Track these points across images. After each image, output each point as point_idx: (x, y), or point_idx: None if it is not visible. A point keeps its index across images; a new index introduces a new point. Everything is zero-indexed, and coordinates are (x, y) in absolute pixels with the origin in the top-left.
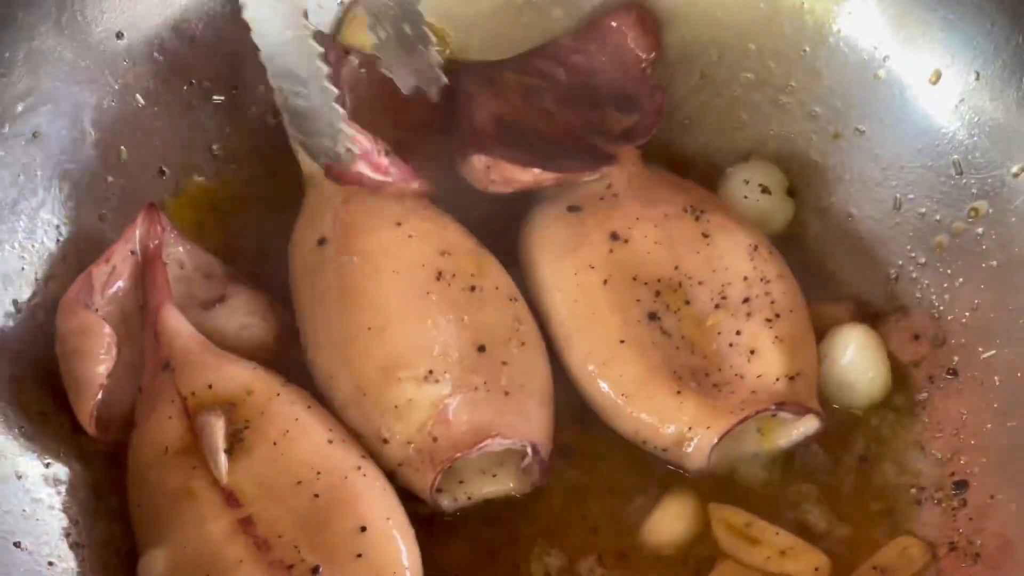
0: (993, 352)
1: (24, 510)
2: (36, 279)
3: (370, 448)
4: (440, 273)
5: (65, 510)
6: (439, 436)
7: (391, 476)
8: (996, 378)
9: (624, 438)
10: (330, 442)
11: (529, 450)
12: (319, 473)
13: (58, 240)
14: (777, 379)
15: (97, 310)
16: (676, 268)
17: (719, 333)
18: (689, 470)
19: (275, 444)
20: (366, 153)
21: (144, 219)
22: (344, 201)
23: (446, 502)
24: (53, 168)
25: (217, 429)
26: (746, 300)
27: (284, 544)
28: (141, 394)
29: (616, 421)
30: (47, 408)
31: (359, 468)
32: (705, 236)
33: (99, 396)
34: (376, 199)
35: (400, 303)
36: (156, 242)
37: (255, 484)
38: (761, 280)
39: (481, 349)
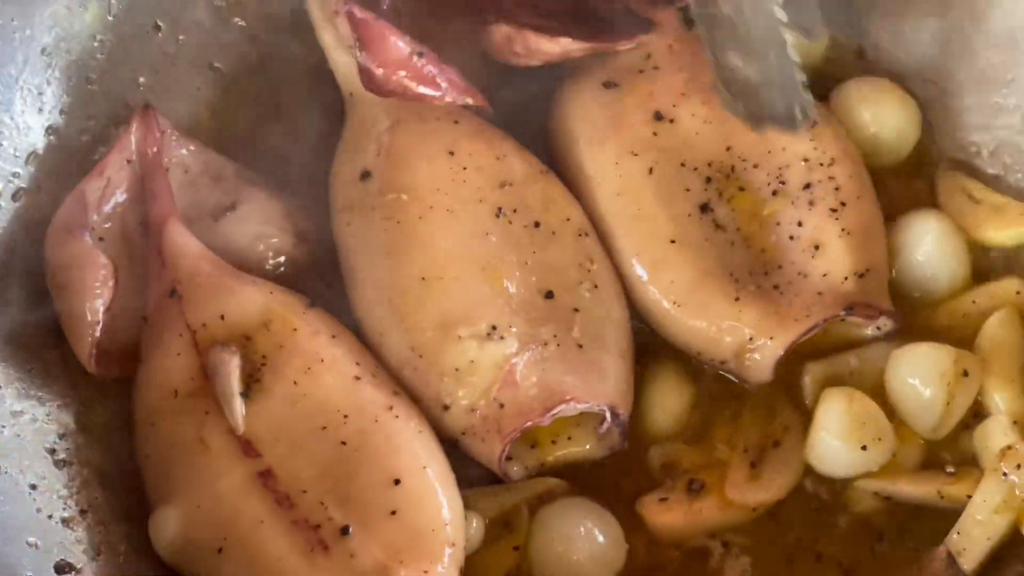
0: None
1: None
2: (14, 154)
3: (428, 414)
4: (500, 209)
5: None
6: (506, 401)
7: (453, 444)
8: None
9: (675, 347)
10: (357, 379)
11: (607, 414)
12: (346, 416)
13: (40, 109)
14: (845, 278)
15: (93, 229)
16: (728, 150)
17: (778, 224)
18: (750, 383)
19: (296, 384)
20: (406, 59)
21: (140, 123)
22: (390, 127)
23: (515, 470)
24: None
25: (232, 369)
26: (807, 186)
27: (308, 500)
28: (147, 325)
29: (667, 331)
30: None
31: (391, 408)
32: None
33: (97, 333)
34: (425, 122)
35: (456, 248)
36: (155, 148)
37: (274, 431)
38: (822, 164)
39: (549, 295)
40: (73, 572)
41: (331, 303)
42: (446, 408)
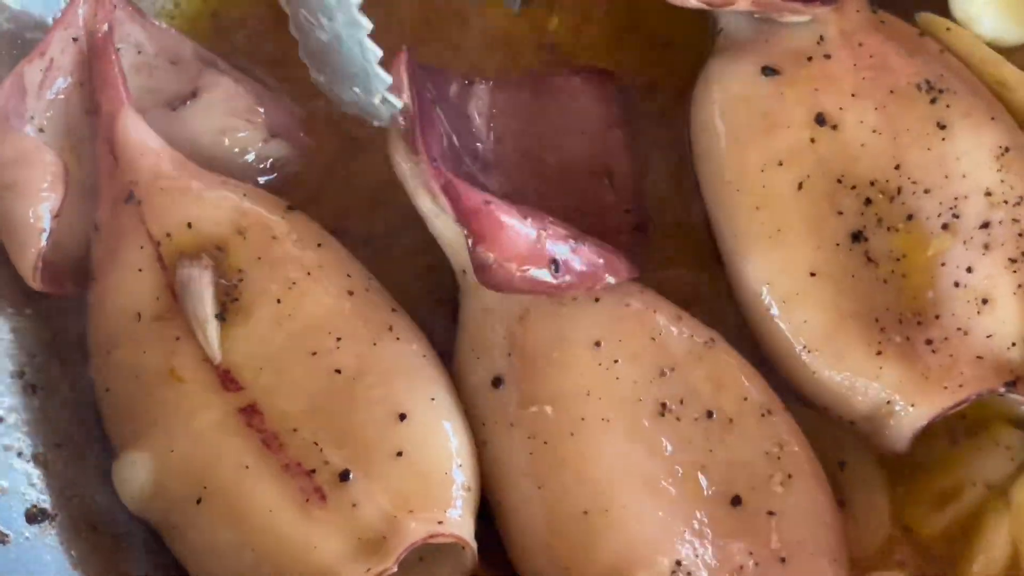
0: None
1: None
2: None
3: None
4: (664, 405)
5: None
6: None
7: None
8: None
9: (801, 398)
10: (350, 294)
11: None
12: (339, 339)
13: None
14: (1013, 344)
15: (33, 118)
16: (896, 168)
17: (943, 265)
18: (882, 448)
19: (279, 302)
20: (532, 248)
21: None
22: (520, 318)
23: None
24: None
25: (204, 286)
26: (985, 225)
27: (300, 440)
28: (99, 235)
29: (792, 375)
30: None
31: (391, 328)
32: (941, 127)
33: (43, 244)
34: (562, 305)
35: (619, 467)
36: (105, 25)
37: (257, 359)
38: (1007, 201)
39: (736, 502)
40: (46, 520)
41: (317, 204)
42: None
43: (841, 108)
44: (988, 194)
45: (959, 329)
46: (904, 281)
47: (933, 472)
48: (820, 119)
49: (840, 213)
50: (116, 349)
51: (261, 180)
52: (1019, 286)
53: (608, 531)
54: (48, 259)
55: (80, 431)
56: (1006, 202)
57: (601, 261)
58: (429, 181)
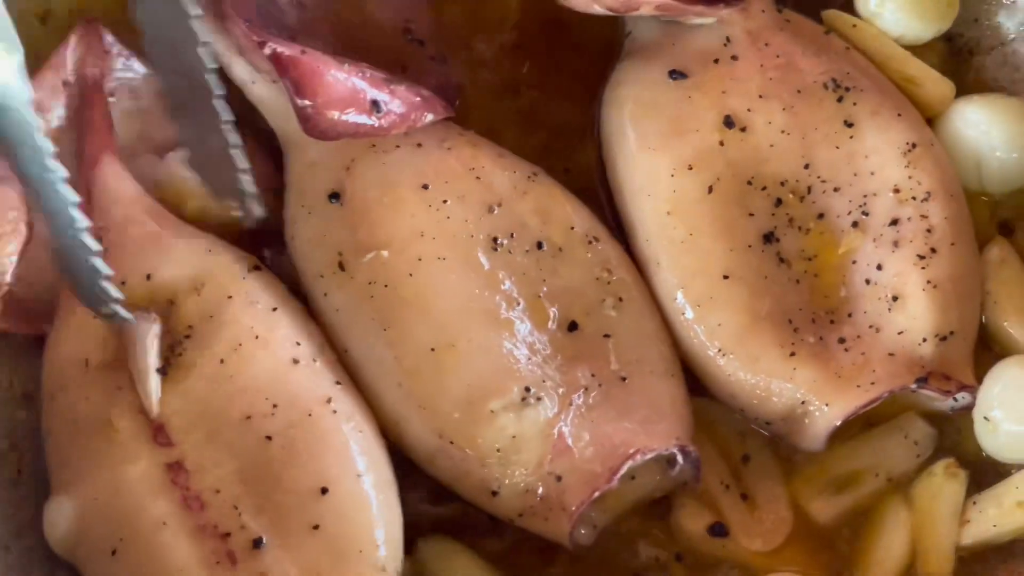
0: None
1: None
2: None
3: (474, 500)
4: (496, 239)
5: None
6: (564, 472)
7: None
8: None
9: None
10: (295, 362)
11: (678, 455)
12: (275, 406)
13: None
14: (924, 340)
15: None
16: (806, 168)
17: (854, 262)
18: (798, 448)
19: (222, 363)
20: (351, 93)
21: (80, 39)
22: (346, 170)
23: (585, 535)
24: None
25: (151, 339)
26: (894, 222)
27: (221, 503)
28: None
29: (708, 379)
30: None
31: (329, 401)
32: (849, 125)
33: (7, 280)
34: (386, 153)
35: (460, 303)
36: (97, 69)
37: (191, 417)
38: (916, 198)
39: (572, 327)
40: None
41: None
42: (495, 494)
43: (749, 110)
44: (896, 191)
45: (871, 327)
46: (816, 280)
47: (836, 458)
48: (728, 121)
49: (751, 215)
50: (61, 392)
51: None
52: (928, 282)
53: (457, 365)
54: (14, 297)
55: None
56: (914, 198)
57: (418, 99)
58: (243, 42)
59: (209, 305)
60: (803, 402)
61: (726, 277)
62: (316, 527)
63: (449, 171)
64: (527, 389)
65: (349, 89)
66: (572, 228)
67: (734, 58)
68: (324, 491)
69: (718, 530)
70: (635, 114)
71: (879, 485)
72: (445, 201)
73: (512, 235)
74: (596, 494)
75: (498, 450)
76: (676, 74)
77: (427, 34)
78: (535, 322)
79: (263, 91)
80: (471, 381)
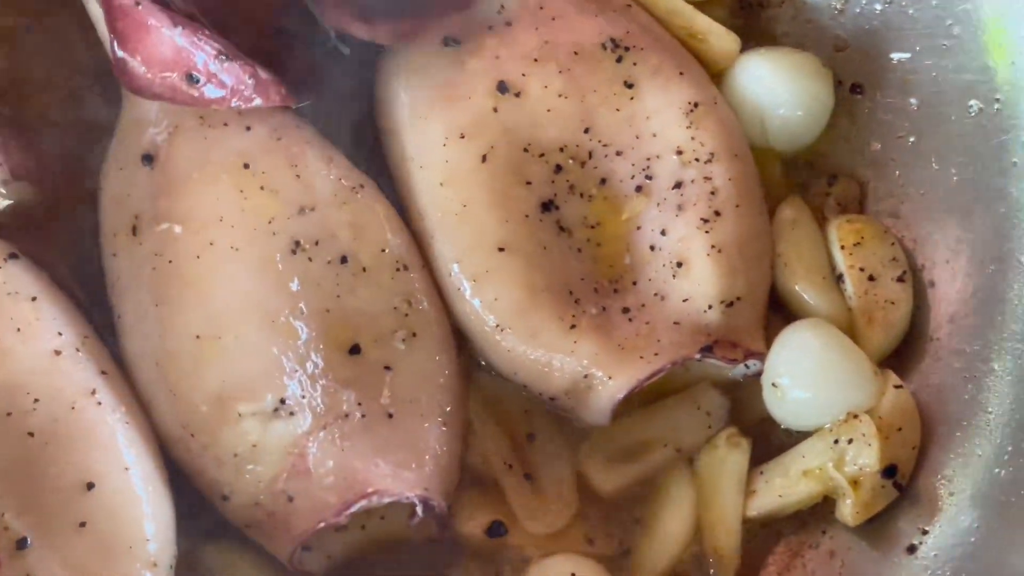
0: None
1: None
2: None
3: (208, 499)
4: (298, 243)
5: None
6: (296, 494)
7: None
8: None
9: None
10: (57, 353)
11: (419, 507)
12: (37, 401)
13: None
14: (709, 307)
15: None
16: (586, 132)
17: (638, 228)
18: (584, 423)
19: None
20: (177, 55)
21: None
22: (167, 133)
23: (315, 561)
24: None
25: None
26: (678, 185)
27: None
28: None
29: (489, 355)
30: None
31: (93, 392)
32: (629, 86)
33: None
34: (211, 128)
35: (240, 297)
36: None
37: None
38: (699, 159)
39: (354, 351)
40: None
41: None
42: (225, 499)
43: (524, 74)
44: (679, 152)
45: (656, 294)
46: (599, 250)
47: (624, 428)
48: (502, 87)
49: (529, 183)
50: None
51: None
52: (712, 246)
53: (217, 359)
54: None
55: None
56: (697, 159)
57: (250, 81)
58: None
59: None
60: (585, 376)
61: (502, 249)
62: (83, 524)
63: (270, 162)
64: (282, 400)
65: (173, 52)
66: (383, 251)
67: (508, 24)
68: (90, 486)
69: (496, 530)
70: (409, 83)
71: (667, 456)
72: (257, 191)
73: (317, 242)
74: (321, 525)
75: (235, 455)
76: (450, 41)
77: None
78: (315, 336)
79: (102, 25)
80: (226, 378)
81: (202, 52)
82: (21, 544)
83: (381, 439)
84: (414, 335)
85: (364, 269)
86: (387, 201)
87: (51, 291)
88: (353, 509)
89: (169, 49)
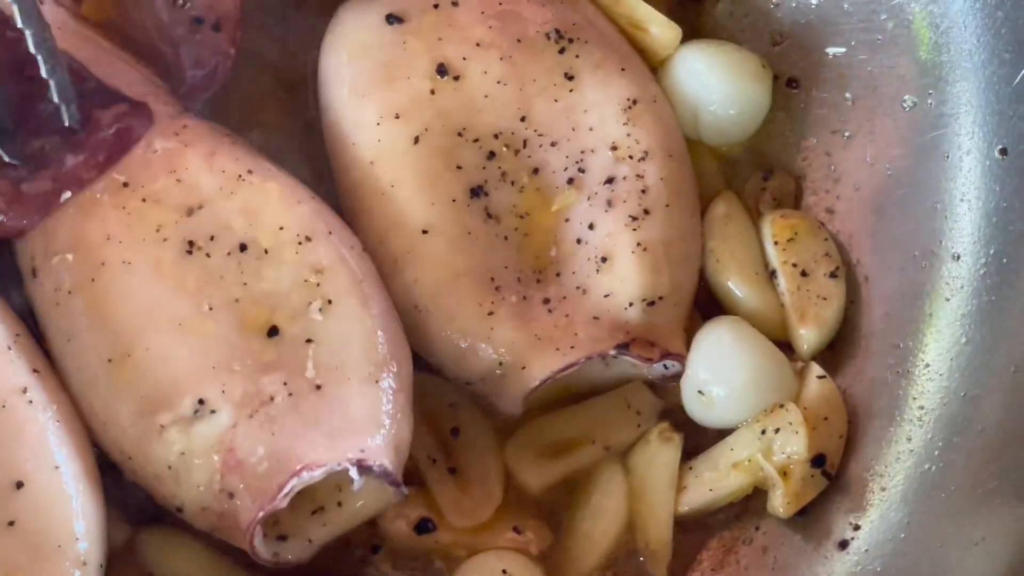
0: None
1: None
2: None
3: (170, 513)
4: (191, 244)
5: None
6: (235, 489)
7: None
8: None
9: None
10: None
11: (353, 471)
12: None
13: None
14: (630, 304)
15: None
16: (523, 120)
17: (567, 221)
18: (497, 411)
19: None
20: None
21: None
22: None
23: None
24: None
25: None
26: (610, 180)
27: None
28: None
29: (410, 335)
30: None
31: (24, 391)
32: (569, 78)
33: None
34: None
35: (141, 310)
36: None
37: None
38: (632, 156)
39: (273, 332)
40: None
41: None
42: (180, 510)
43: (464, 58)
44: (614, 148)
45: (578, 288)
46: (526, 239)
47: (553, 424)
48: (441, 69)
49: (459, 167)
50: None
51: None
52: (638, 244)
53: (132, 377)
54: None
55: None
56: (631, 157)
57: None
58: None
59: None
60: (501, 363)
61: (425, 232)
62: (11, 523)
63: (149, 175)
64: (200, 402)
65: None
66: (281, 228)
67: (455, 4)
68: (19, 485)
69: (424, 526)
70: (351, 57)
71: (596, 453)
72: (140, 203)
73: (212, 238)
74: (262, 513)
75: (169, 467)
76: (393, 19)
77: (206, 3)
78: (228, 328)
79: None
80: (144, 393)
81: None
82: None
83: (312, 413)
84: (329, 302)
85: (266, 251)
86: (282, 177)
87: None
88: (286, 490)
89: None
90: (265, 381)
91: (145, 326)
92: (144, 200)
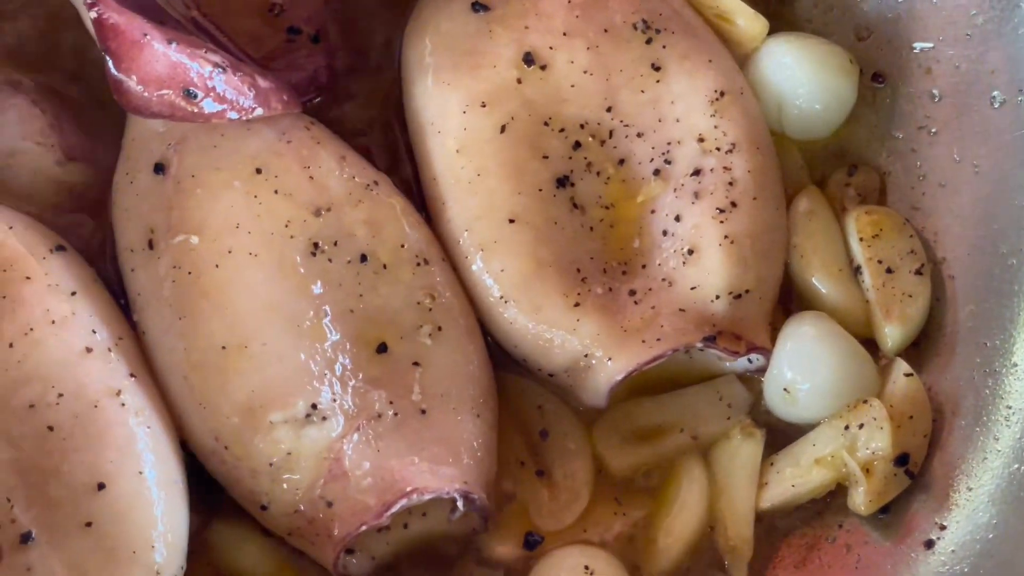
0: None
1: None
2: None
3: (246, 509)
4: (316, 245)
5: None
6: (335, 499)
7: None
8: None
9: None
10: (88, 351)
11: (459, 501)
12: (61, 395)
13: None
14: (717, 297)
15: None
16: (609, 111)
17: (652, 212)
18: (581, 403)
19: (12, 346)
20: (172, 72)
21: None
22: (175, 145)
23: (358, 564)
24: None
25: None
26: (696, 172)
27: None
28: None
29: (491, 326)
30: None
31: (118, 393)
32: (656, 69)
33: None
34: (219, 135)
35: (263, 304)
36: None
37: None
38: (720, 148)
39: (382, 349)
40: None
41: (95, 246)
42: (264, 508)
43: (551, 47)
44: (701, 140)
45: (664, 280)
46: (611, 230)
47: (643, 410)
48: (528, 59)
49: (545, 157)
50: None
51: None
52: (725, 237)
53: (245, 368)
54: None
55: None
56: (718, 149)
57: (250, 92)
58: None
59: (3, 285)
60: (586, 355)
61: (512, 221)
62: (89, 524)
63: (282, 166)
64: (313, 406)
65: (168, 68)
66: (402, 246)
67: None
68: (101, 487)
69: (532, 541)
70: (435, 47)
71: (684, 442)
72: (271, 195)
73: (336, 243)
74: (363, 527)
75: (271, 464)
76: (479, 6)
77: (304, 15)
78: (341, 337)
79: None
80: (255, 387)
81: (198, 66)
82: (25, 538)
83: (416, 436)
84: (439, 329)
85: (384, 266)
86: (402, 196)
87: (93, 288)
88: (394, 509)
89: (164, 66)
90: (373, 397)
91: (264, 321)
92: (276, 192)
